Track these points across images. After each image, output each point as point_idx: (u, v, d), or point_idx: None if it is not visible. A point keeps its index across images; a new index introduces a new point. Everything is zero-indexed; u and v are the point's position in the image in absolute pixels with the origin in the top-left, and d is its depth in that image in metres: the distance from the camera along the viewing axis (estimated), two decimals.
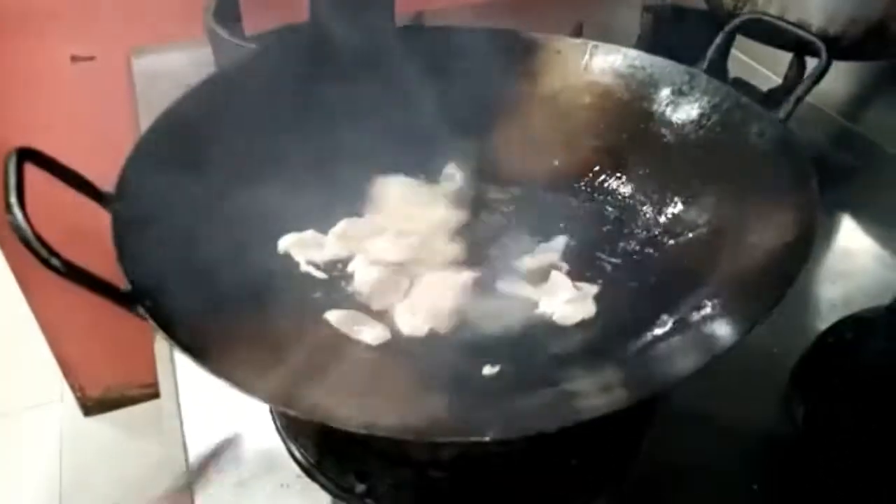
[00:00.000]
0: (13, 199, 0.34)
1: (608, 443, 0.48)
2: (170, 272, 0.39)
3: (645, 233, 0.54)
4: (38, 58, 0.92)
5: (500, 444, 0.44)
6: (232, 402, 0.50)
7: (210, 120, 0.50)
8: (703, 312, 0.42)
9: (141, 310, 0.35)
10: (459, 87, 0.58)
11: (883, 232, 0.69)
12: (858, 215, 0.71)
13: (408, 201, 0.58)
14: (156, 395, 1.28)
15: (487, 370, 0.44)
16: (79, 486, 1.28)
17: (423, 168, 0.59)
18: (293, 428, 0.48)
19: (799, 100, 0.49)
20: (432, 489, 0.46)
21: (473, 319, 0.49)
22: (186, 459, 0.48)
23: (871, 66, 0.79)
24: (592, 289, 0.50)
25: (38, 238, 0.33)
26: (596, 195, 0.58)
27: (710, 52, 0.56)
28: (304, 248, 0.52)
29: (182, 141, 0.48)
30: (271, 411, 0.50)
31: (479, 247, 0.55)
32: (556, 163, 0.60)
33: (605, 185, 0.58)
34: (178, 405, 0.52)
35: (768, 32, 0.63)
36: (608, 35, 0.61)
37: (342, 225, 0.54)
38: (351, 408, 0.36)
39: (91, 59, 0.94)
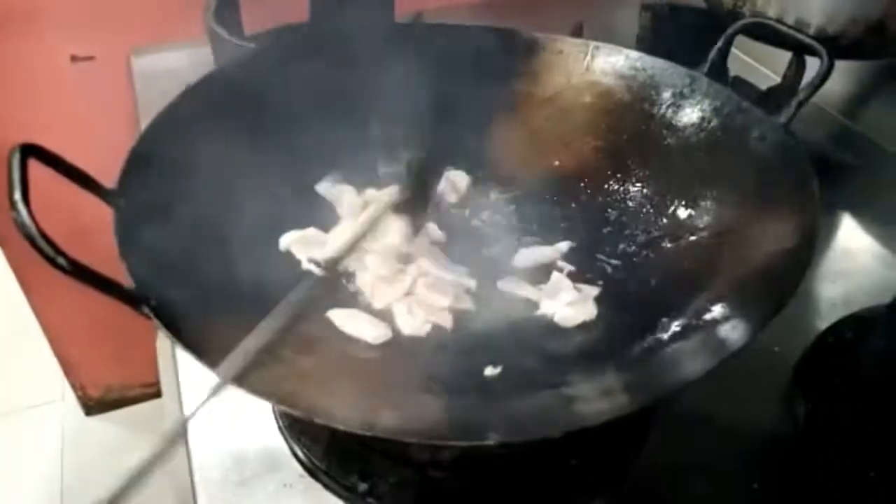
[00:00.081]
0: (18, 196, 0.33)
1: (609, 443, 0.48)
2: (172, 270, 0.39)
3: (646, 235, 0.54)
4: (38, 58, 0.92)
5: (502, 445, 0.44)
6: (234, 402, 0.50)
7: (211, 117, 0.50)
8: (704, 317, 0.42)
9: (146, 309, 0.35)
10: (460, 86, 0.58)
11: (883, 231, 0.69)
12: (858, 214, 0.71)
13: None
14: (157, 395, 1.28)
15: (489, 371, 0.44)
16: (80, 486, 1.28)
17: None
18: (296, 427, 0.48)
19: (801, 105, 0.49)
20: (433, 489, 0.46)
21: (474, 320, 0.49)
22: (189, 459, 0.48)
23: (870, 65, 0.79)
24: (593, 290, 0.50)
25: (44, 236, 0.33)
26: (597, 196, 0.58)
27: (711, 56, 0.56)
28: (305, 245, 0.52)
29: (183, 137, 0.48)
30: (274, 411, 0.50)
31: (480, 247, 0.55)
32: (557, 163, 0.60)
33: (606, 186, 0.58)
34: (181, 404, 0.52)
35: (769, 33, 0.63)
36: (608, 34, 0.61)
37: (343, 223, 0.54)
38: (352, 408, 0.36)
39: (91, 58, 0.94)
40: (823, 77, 0.51)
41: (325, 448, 0.46)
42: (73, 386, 1.34)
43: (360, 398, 0.39)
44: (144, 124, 0.47)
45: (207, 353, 0.34)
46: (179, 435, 0.30)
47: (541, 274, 0.52)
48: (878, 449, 0.48)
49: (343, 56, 0.58)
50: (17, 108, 0.94)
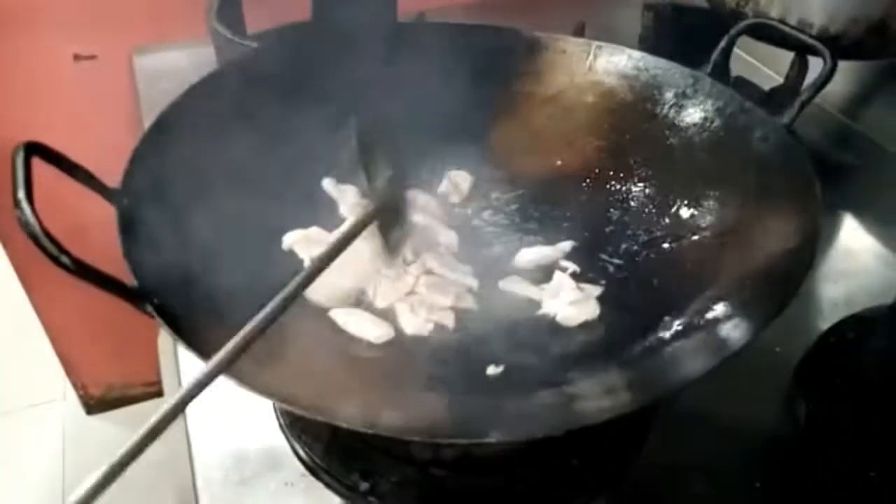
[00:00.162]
0: (22, 195, 0.33)
1: (610, 443, 0.48)
2: (174, 269, 0.39)
3: (648, 235, 0.54)
4: (41, 57, 0.92)
5: (503, 444, 0.44)
6: (236, 400, 0.50)
7: (214, 116, 0.50)
8: (707, 316, 0.42)
9: (149, 307, 0.35)
10: (462, 86, 0.58)
11: (884, 231, 0.69)
12: (860, 214, 0.71)
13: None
14: (158, 394, 1.28)
15: (491, 370, 0.44)
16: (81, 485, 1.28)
17: (426, 167, 0.59)
18: (297, 426, 0.48)
19: (803, 105, 0.50)
20: (435, 487, 0.46)
21: (476, 319, 0.49)
22: (190, 458, 0.48)
23: (872, 64, 0.79)
24: (596, 290, 0.50)
25: (47, 234, 0.32)
26: (599, 196, 0.58)
27: (714, 56, 0.56)
28: (308, 244, 0.52)
29: (187, 137, 0.48)
30: (275, 409, 0.50)
31: (482, 247, 0.55)
32: (560, 163, 0.60)
33: (609, 185, 0.58)
34: None
35: (771, 34, 0.63)
36: (610, 35, 0.61)
37: (346, 223, 0.54)
38: (354, 406, 0.36)
39: (93, 58, 0.94)
40: (826, 78, 0.51)
41: (326, 447, 0.46)
42: (75, 385, 1.34)
43: (362, 397, 0.39)
44: (146, 123, 0.47)
45: (210, 352, 0.34)
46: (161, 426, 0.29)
47: (543, 273, 0.52)
48: (880, 449, 0.48)
49: (346, 55, 0.58)
50: (19, 107, 0.94)
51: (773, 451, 0.50)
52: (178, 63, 0.89)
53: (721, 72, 0.56)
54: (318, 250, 0.51)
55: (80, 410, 1.39)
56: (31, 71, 0.92)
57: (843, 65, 0.53)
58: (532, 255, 0.53)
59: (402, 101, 0.57)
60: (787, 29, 0.57)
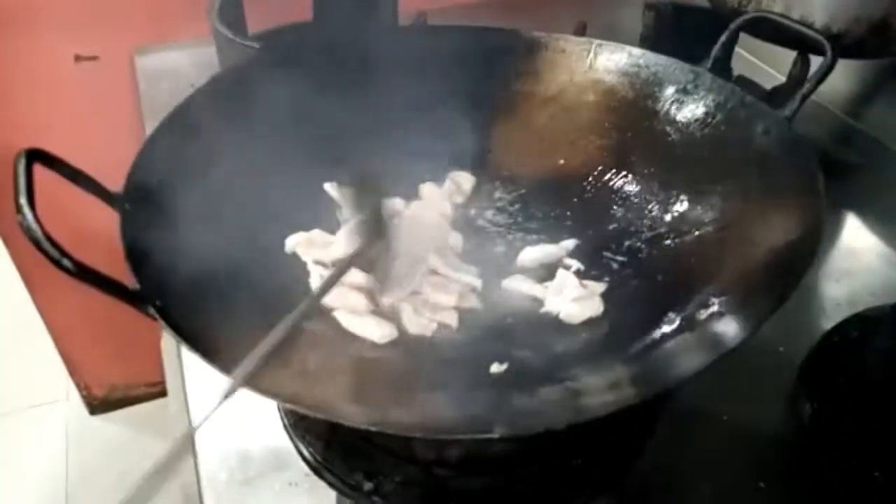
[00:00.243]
0: (23, 200, 0.34)
1: (613, 442, 0.48)
2: (177, 272, 0.39)
3: (651, 231, 0.54)
4: (42, 57, 0.92)
5: (507, 442, 0.44)
6: (239, 402, 0.50)
7: (217, 119, 0.50)
8: (710, 311, 0.42)
9: (151, 310, 0.35)
10: (463, 86, 0.58)
11: (888, 230, 0.69)
12: (862, 213, 0.71)
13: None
14: (161, 394, 1.28)
15: (495, 368, 0.44)
16: (84, 485, 1.29)
17: (427, 167, 0.59)
18: (301, 426, 0.48)
19: (804, 98, 0.49)
20: (439, 487, 0.46)
21: (480, 318, 0.49)
22: (195, 458, 0.48)
23: (873, 63, 0.79)
24: (599, 287, 0.50)
25: (49, 239, 0.33)
26: (601, 193, 0.58)
27: (715, 51, 0.56)
28: (310, 247, 0.52)
29: (189, 140, 0.48)
30: (279, 410, 0.50)
31: (485, 245, 0.55)
32: (562, 161, 0.60)
33: (611, 183, 0.58)
34: (186, 403, 0.52)
35: (772, 31, 0.63)
36: (611, 34, 0.61)
37: (349, 225, 0.54)
38: (358, 405, 0.36)
39: (94, 58, 0.94)
40: (827, 70, 0.51)
41: (330, 447, 0.46)
42: (78, 385, 1.34)
43: (366, 396, 0.39)
44: (148, 123, 0.47)
45: (213, 353, 0.34)
46: (186, 446, 0.30)
47: (546, 272, 0.52)
48: (884, 449, 0.48)
49: (347, 57, 0.58)
50: (20, 108, 0.95)
51: (777, 451, 0.50)
52: (179, 63, 0.89)
53: (722, 67, 0.56)
54: (320, 253, 0.51)
55: (83, 411, 1.39)
56: (31, 71, 0.93)
57: (844, 64, 0.53)
58: (535, 253, 0.53)
59: (404, 102, 0.57)
60: (787, 22, 0.57)
